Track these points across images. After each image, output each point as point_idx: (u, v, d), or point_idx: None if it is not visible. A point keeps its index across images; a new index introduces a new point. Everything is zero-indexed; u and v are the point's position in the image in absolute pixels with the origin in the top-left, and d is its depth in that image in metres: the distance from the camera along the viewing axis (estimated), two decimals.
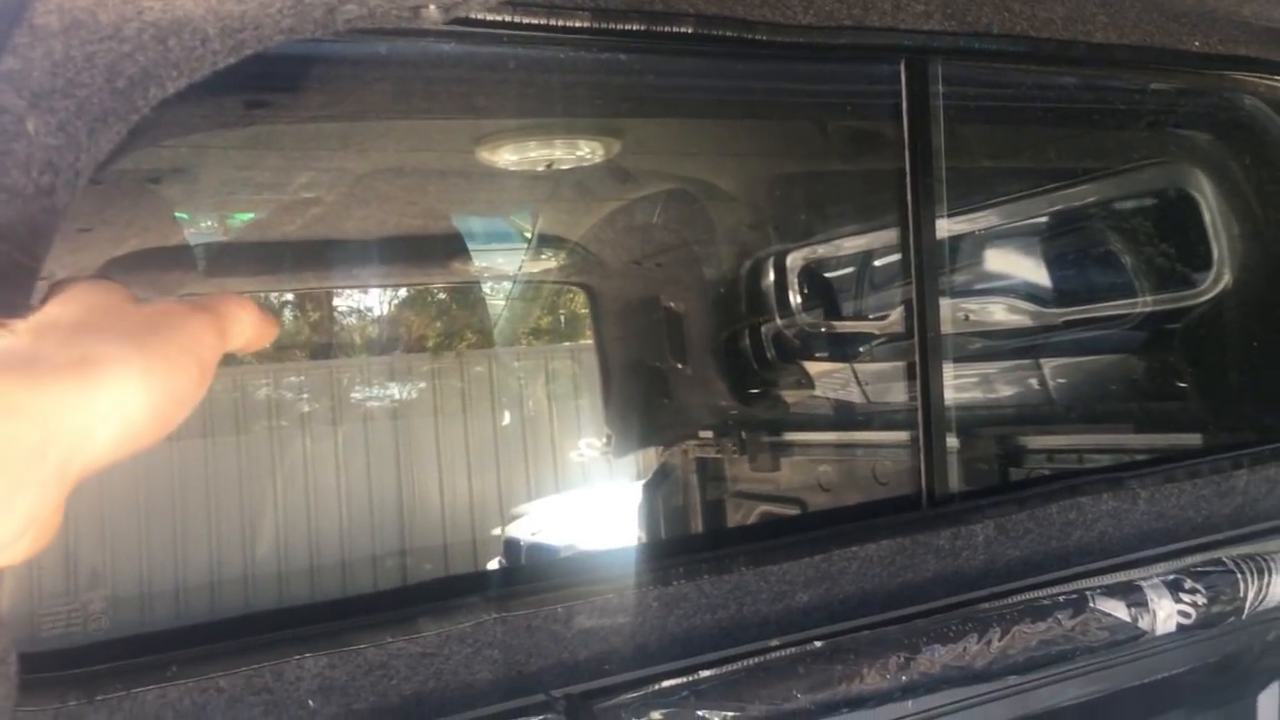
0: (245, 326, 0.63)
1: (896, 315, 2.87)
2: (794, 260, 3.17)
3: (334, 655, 1.07)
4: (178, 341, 0.57)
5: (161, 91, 0.81)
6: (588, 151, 2.15)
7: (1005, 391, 2.69)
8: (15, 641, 0.66)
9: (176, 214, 2.48)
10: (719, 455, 3.42)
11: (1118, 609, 1.51)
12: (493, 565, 1.50)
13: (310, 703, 1.07)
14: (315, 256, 2.14)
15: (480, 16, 1.16)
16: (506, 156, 2.11)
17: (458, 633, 1.14)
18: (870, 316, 3.10)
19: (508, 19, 1.19)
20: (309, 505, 1.61)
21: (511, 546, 2.17)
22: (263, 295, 2.01)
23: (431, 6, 0.95)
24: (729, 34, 1.30)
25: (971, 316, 2.76)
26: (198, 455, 1.84)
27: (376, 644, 1.10)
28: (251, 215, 2.63)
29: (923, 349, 1.52)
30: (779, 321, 3.23)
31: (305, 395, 2.14)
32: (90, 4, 0.73)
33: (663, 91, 1.62)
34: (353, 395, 2.19)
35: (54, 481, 0.51)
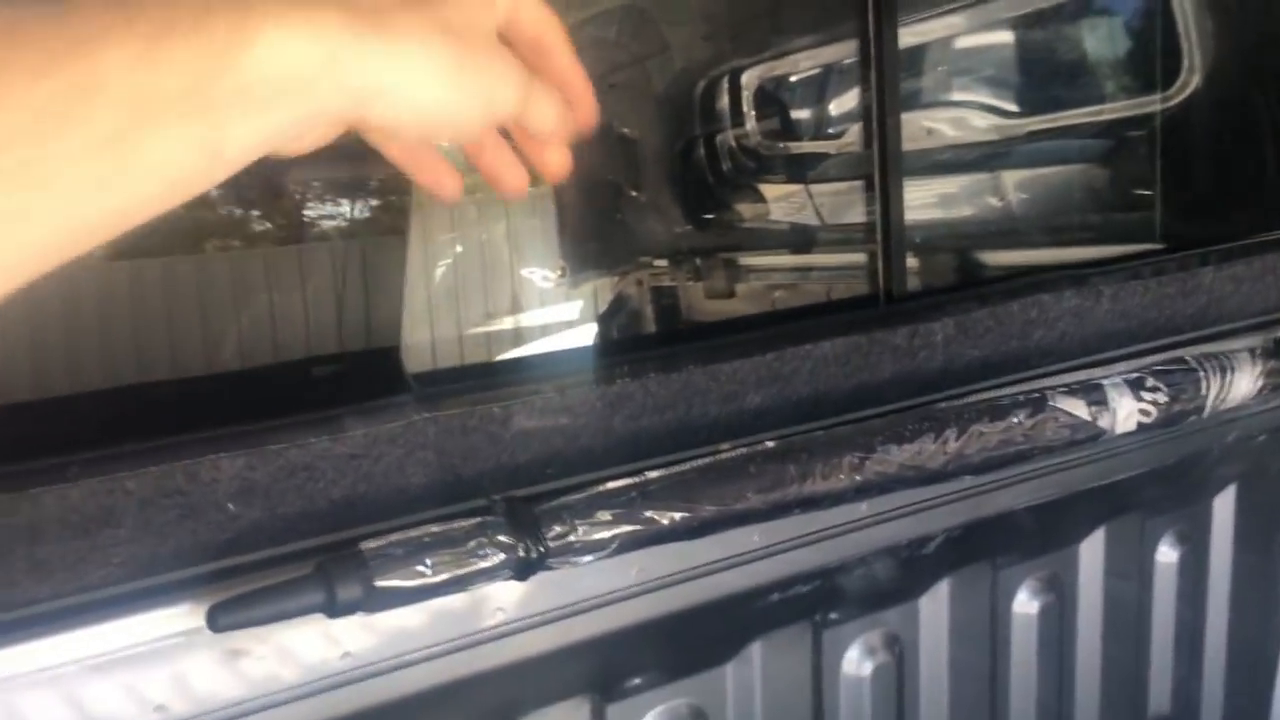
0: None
1: (855, 132, 2.77)
2: (749, 78, 3.05)
3: (252, 455, 1.00)
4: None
5: None
6: None
7: (965, 207, 2.62)
8: None
9: None
10: (673, 283, 3.35)
11: (1077, 408, 1.46)
12: (422, 367, 1.45)
13: (230, 506, 1.01)
14: None
15: None
16: None
17: (387, 433, 1.08)
18: (828, 134, 3.00)
19: None
20: (235, 300, 1.53)
21: (441, 349, 2.11)
22: None
23: None
24: None
25: (932, 131, 2.67)
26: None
27: (298, 444, 1.03)
28: None
29: (882, 142, 1.43)
30: (734, 143, 3.12)
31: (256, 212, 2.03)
32: None
33: None
34: (304, 213, 2.09)
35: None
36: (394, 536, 1.02)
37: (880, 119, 1.39)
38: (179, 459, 0.97)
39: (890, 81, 1.44)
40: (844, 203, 2.90)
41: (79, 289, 1.43)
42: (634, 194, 3.27)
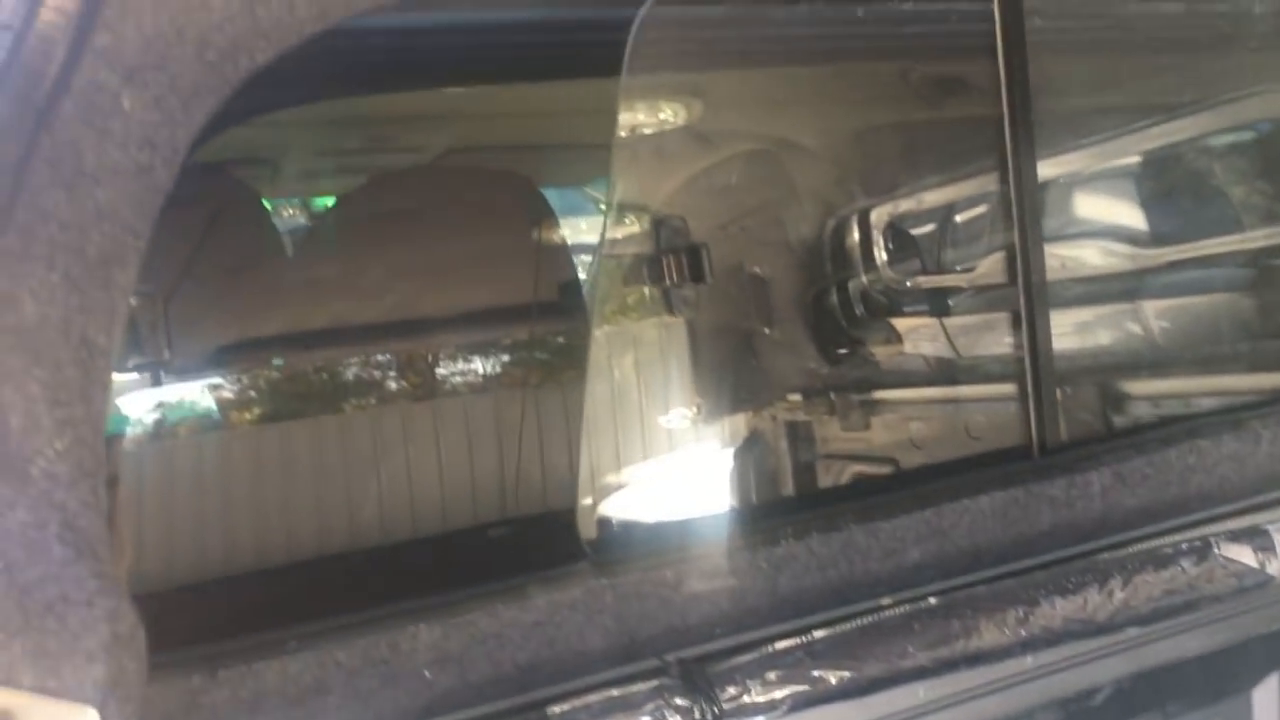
0: None
1: (986, 266, 2.80)
2: (878, 216, 3.11)
3: (448, 626, 1.07)
4: None
5: (251, 63, 0.80)
6: (670, 114, 2.12)
7: (1107, 338, 2.61)
8: (143, 619, 0.66)
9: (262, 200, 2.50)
10: (808, 417, 3.38)
11: (1243, 554, 1.45)
12: (592, 533, 1.50)
13: (426, 673, 1.07)
14: (398, 230, 2.14)
15: None
16: (587, 123, 2.08)
17: (568, 600, 1.13)
18: (958, 269, 3.03)
19: None
20: (409, 480, 1.63)
21: (608, 514, 2.16)
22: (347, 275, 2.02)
23: None
24: None
25: (1067, 264, 2.68)
26: (299, 435, 1.86)
27: (489, 613, 1.09)
28: (334, 198, 2.65)
29: (1028, 293, 1.47)
30: (865, 278, 3.17)
31: (392, 373, 2.14)
32: None
33: (745, 44, 1.59)
34: (439, 370, 2.19)
35: None
36: (578, 701, 1.07)
37: (1026, 279, 1.42)
38: (383, 630, 1.04)
39: (1033, 231, 1.48)
40: (976, 336, 2.92)
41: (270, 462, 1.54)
42: (767, 331, 3.34)
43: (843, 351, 3.25)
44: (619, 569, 1.17)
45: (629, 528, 1.98)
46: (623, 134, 2.25)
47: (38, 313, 0.67)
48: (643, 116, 2.17)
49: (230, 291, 1.71)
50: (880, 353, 3.20)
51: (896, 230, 3.09)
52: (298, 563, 1.42)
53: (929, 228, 3.08)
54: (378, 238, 1.53)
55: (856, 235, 3.14)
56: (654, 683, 1.12)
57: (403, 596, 1.11)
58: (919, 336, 3.17)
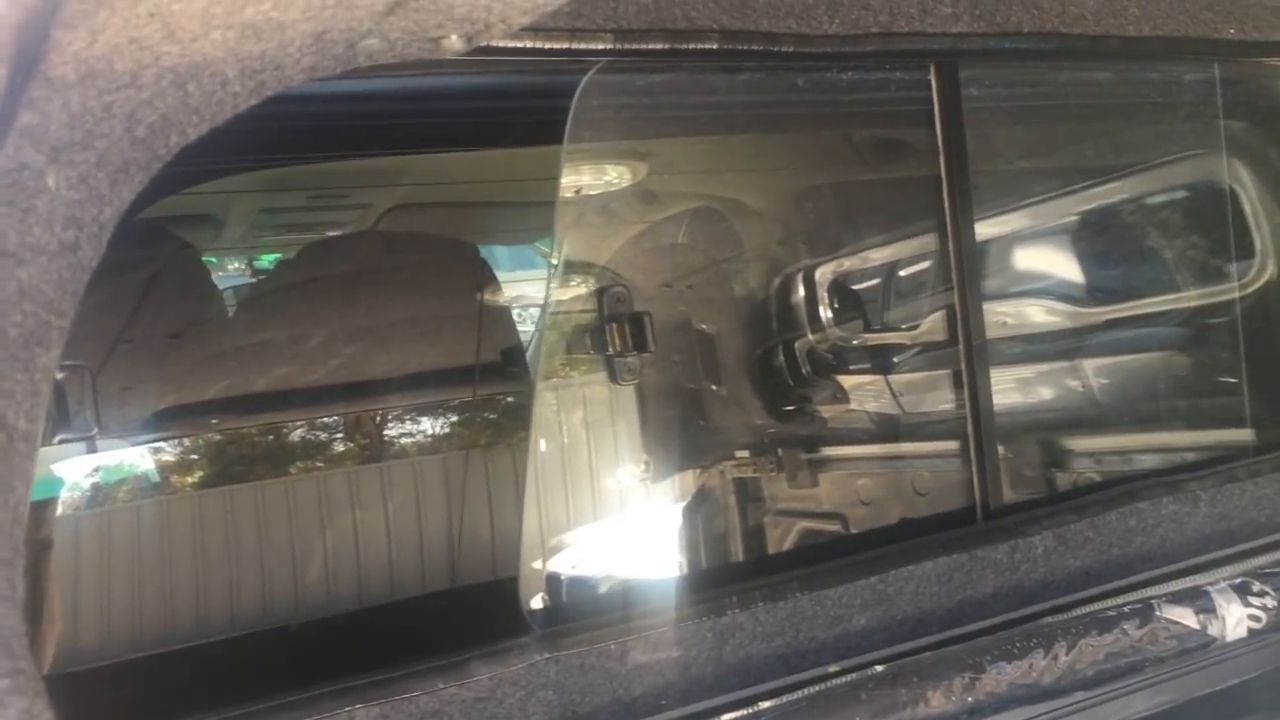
0: None
1: (929, 324, 2.82)
2: (823, 274, 3.13)
3: (385, 705, 1.04)
4: None
5: (183, 138, 0.79)
6: (615, 176, 2.13)
7: (1047, 396, 2.64)
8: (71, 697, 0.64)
9: (204, 258, 2.48)
10: (756, 474, 3.37)
11: (1185, 616, 1.46)
12: (537, 602, 1.48)
13: None
14: (342, 293, 2.12)
15: (501, 44, 1.13)
16: (532, 186, 2.09)
17: (510, 675, 1.11)
18: (903, 327, 3.05)
19: (529, 45, 1.17)
20: (356, 545, 1.59)
21: (553, 580, 2.14)
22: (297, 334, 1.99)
23: (453, 36, 0.92)
24: (755, 48, 1.27)
25: (1009, 322, 2.72)
26: (240, 501, 1.82)
27: (428, 691, 1.07)
28: (279, 255, 2.62)
29: (968, 357, 1.48)
30: (811, 336, 3.19)
31: (338, 435, 2.11)
32: (106, 52, 0.71)
33: (689, 110, 1.60)
34: (386, 432, 2.16)
35: None
36: None
37: (967, 343, 1.44)
38: (319, 712, 1.01)
39: (972, 294, 1.50)
40: (921, 393, 2.94)
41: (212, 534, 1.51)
42: (714, 388, 3.34)
43: (790, 409, 3.26)
44: (562, 641, 1.15)
45: (574, 596, 1.97)
46: (567, 194, 2.26)
47: None
48: (588, 179, 2.17)
49: (169, 356, 1.68)
50: (827, 410, 3.22)
51: (841, 288, 3.11)
52: (237, 636, 1.38)
53: (873, 286, 3.11)
54: (322, 300, 1.51)
55: (802, 293, 3.16)
56: None
57: (343, 672, 1.08)
58: (864, 394, 3.19)
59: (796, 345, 3.17)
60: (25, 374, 0.69)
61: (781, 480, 3.33)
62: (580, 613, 1.25)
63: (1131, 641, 1.41)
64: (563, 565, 2.48)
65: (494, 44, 1.12)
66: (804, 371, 3.20)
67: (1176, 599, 1.46)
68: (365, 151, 2.09)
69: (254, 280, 2.66)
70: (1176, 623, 1.44)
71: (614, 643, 1.16)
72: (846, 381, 3.19)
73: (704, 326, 3.29)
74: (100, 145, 0.73)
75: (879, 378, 3.10)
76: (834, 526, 3.17)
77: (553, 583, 2.13)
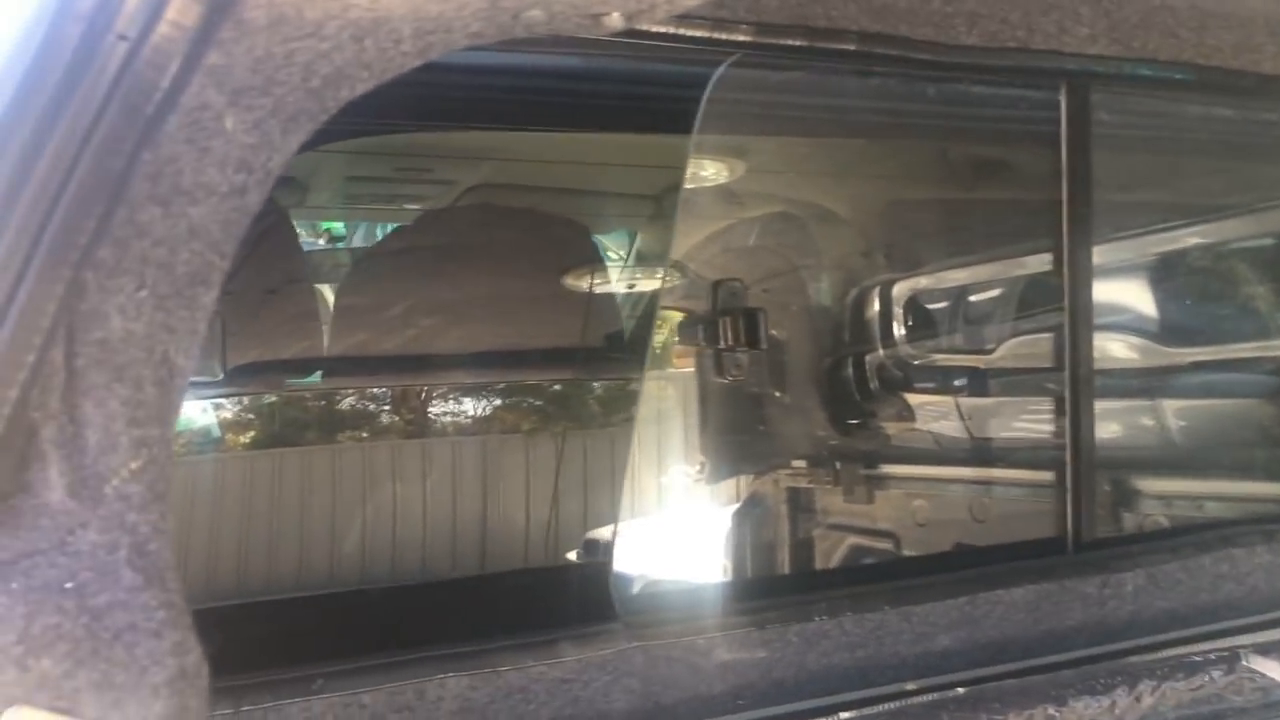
0: None
1: (1005, 350, 2.79)
2: (901, 290, 3.10)
3: (476, 676, 1.04)
4: None
5: (350, 92, 0.79)
6: (713, 172, 2.12)
7: (1133, 434, 2.59)
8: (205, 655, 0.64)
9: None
10: (812, 485, 3.35)
11: (1272, 669, 1.43)
12: (628, 589, 1.47)
13: None
14: (422, 271, 2.13)
15: (647, 28, 1.13)
16: (632, 176, 2.08)
17: (599, 660, 1.11)
18: (977, 350, 3.02)
19: (671, 30, 1.16)
20: (453, 522, 1.60)
21: (635, 577, 2.13)
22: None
23: (615, 14, 0.92)
24: (891, 52, 1.26)
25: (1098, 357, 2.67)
26: (327, 462, 1.84)
27: (518, 667, 1.06)
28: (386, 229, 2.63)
29: (1074, 385, 1.46)
30: (882, 352, 3.16)
31: (434, 404, 2.12)
32: (299, 0, 0.71)
33: (815, 111, 1.59)
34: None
35: None
36: None
37: (1074, 369, 1.41)
38: (411, 676, 1.01)
39: (1084, 321, 1.47)
40: (992, 418, 2.90)
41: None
42: (778, 395, 3.32)
43: (853, 422, 3.23)
44: (651, 631, 1.15)
45: (660, 589, 1.95)
46: (688, 187, 2.25)
47: (123, 329, 0.66)
48: (687, 172, 2.16)
49: (263, 311, 1.69)
50: (891, 427, 3.18)
51: (918, 306, 3.08)
52: (322, 594, 1.39)
53: (951, 306, 3.07)
54: (431, 269, 1.51)
55: (877, 307, 3.13)
56: None
57: (430, 640, 1.08)
58: (931, 414, 3.15)
59: (867, 359, 3.14)
60: (188, 311, 0.69)
61: (837, 493, 3.31)
62: (667, 606, 1.25)
63: (1216, 689, 1.38)
64: (645, 558, 2.48)
65: (641, 27, 1.12)
66: (872, 386, 3.17)
67: (1264, 650, 1.42)
68: (457, 124, 2.08)
69: (346, 248, 2.67)
70: (1262, 674, 1.41)
71: (701, 637, 1.16)
72: (914, 400, 3.16)
73: (775, 332, 3.27)
74: (278, 92, 0.73)
75: (949, 399, 3.07)
76: (885, 545, 3.14)
77: (637, 575, 2.12)
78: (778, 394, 3.34)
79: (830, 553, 3.36)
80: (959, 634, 1.31)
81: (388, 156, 2.49)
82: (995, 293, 2.88)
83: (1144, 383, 2.51)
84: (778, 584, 1.37)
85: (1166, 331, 2.49)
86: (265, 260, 1.68)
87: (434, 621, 1.16)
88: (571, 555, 2.22)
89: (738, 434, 3.38)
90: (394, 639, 1.06)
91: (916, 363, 3.16)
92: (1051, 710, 1.28)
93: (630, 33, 1.16)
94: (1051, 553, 1.43)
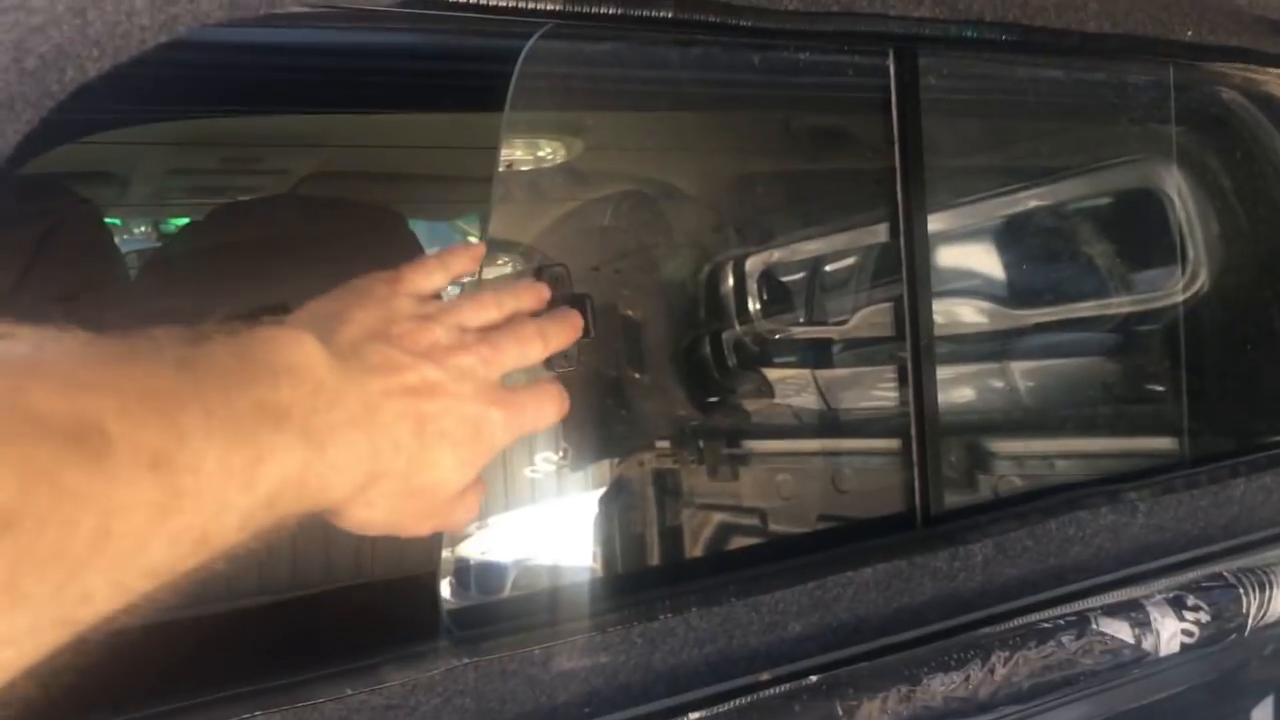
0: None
1: (858, 320, 2.79)
2: (754, 264, 3.08)
3: (288, 713, 0.95)
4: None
5: (81, 75, 0.69)
6: (549, 151, 2.04)
7: (979, 398, 2.62)
8: None
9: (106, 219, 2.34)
10: (677, 466, 3.32)
11: (1121, 630, 1.43)
12: (454, 602, 1.39)
13: None
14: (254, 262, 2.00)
15: None
16: (461, 156, 1.99)
17: (425, 681, 1.03)
18: (831, 321, 3.02)
19: (471, 0, 1.08)
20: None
21: (471, 577, 2.04)
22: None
23: None
24: (711, 19, 1.20)
25: (941, 321, 2.69)
26: None
27: (335, 698, 0.98)
28: (187, 220, 2.49)
29: (915, 355, 1.43)
30: (738, 328, 3.14)
31: None
32: None
33: (634, 84, 1.52)
34: None
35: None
36: None
37: (914, 339, 1.38)
38: (213, 717, 0.92)
39: (923, 291, 1.45)
40: (850, 387, 2.91)
41: None
42: (637, 376, 3.27)
43: (713, 400, 3.21)
44: (483, 646, 1.07)
45: (493, 595, 1.88)
46: (500, 169, 2.17)
47: None
48: (521, 153, 2.08)
49: (61, 322, 1.54)
50: (751, 404, 3.17)
51: (771, 280, 3.07)
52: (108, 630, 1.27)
53: (804, 278, 3.07)
54: (231, 268, 1.40)
55: (731, 283, 3.11)
56: None
57: (237, 673, 0.99)
58: (790, 388, 3.15)
59: (724, 336, 3.12)
60: None
61: (702, 473, 3.28)
62: (500, 615, 1.17)
63: (1067, 654, 1.37)
64: (479, 562, 2.40)
65: None
66: (730, 363, 3.15)
67: (1112, 612, 1.42)
68: (284, 108, 1.97)
69: (160, 245, 2.52)
70: (1112, 636, 1.41)
71: (538, 648, 1.09)
72: (772, 375, 3.15)
73: (630, 313, 3.22)
74: None
75: (806, 372, 3.07)
76: (753, 521, 3.13)
77: (471, 579, 2.05)
78: (637, 376, 3.29)
79: (698, 534, 3.33)
80: (810, 619, 1.27)
81: (212, 146, 2.34)
82: (846, 263, 2.88)
83: (990, 346, 2.54)
84: (619, 583, 1.31)
85: (1010, 294, 2.52)
86: (60, 266, 1.53)
87: (242, 652, 1.06)
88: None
89: (599, 419, 3.33)
90: (190, 676, 0.96)
91: (773, 337, 3.15)
92: (906, 689, 1.25)
93: (428, 2, 1.07)
94: (900, 529, 1.40)
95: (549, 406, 0.82)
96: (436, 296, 0.82)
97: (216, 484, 0.56)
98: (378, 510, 0.70)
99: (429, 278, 0.81)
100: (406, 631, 1.11)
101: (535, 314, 0.89)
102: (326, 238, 1.32)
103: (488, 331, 0.80)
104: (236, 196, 2.68)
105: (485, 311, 0.81)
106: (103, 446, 0.51)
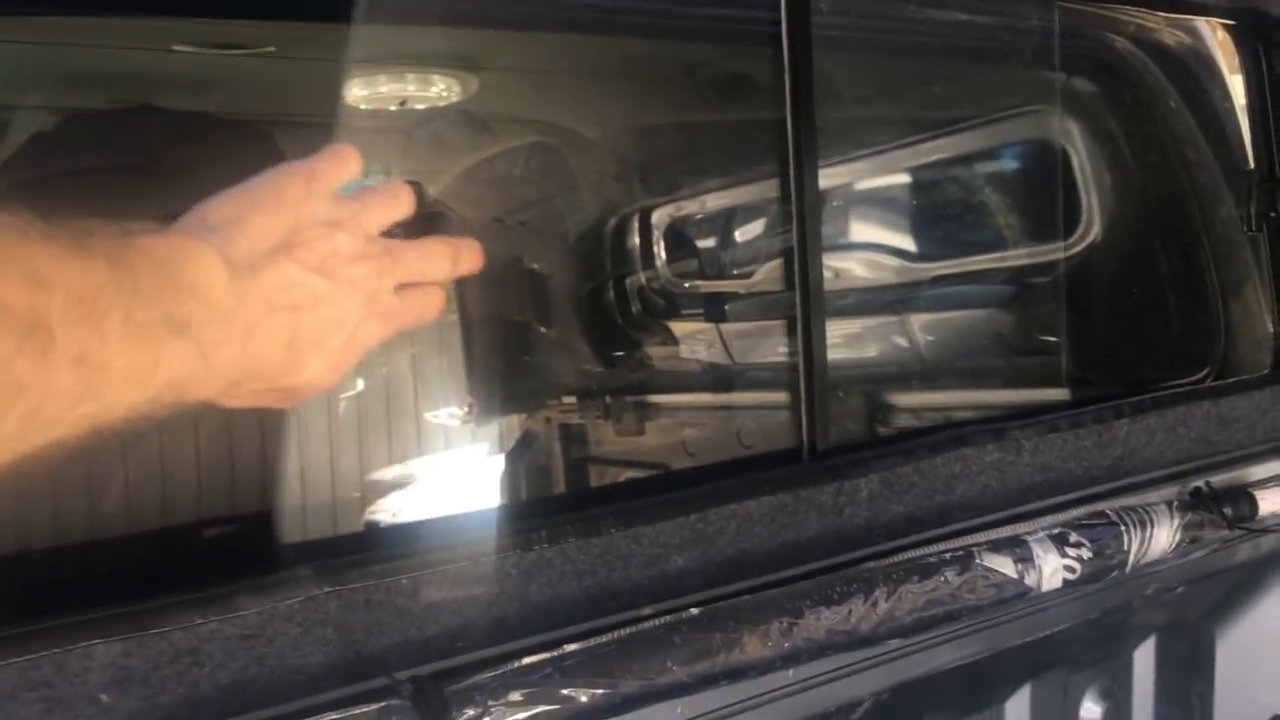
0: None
1: (764, 273, 2.79)
2: (659, 216, 3.06)
3: (130, 641, 0.90)
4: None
5: None
6: (444, 89, 1.98)
7: (874, 350, 2.63)
8: None
9: None
10: (583, 420, 3.30)
11: (1004, 565, 1.43)
12: (327, 535, 1.36)
13: (103, 697, 0.90)
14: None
15: None
16: (354, 92, 1.92)
17: (284, 610, 0.99)
18: (736, 274, 3.02)
19: None
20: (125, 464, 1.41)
21: (345, 519, 2.00)
22: None
23: None
24: None
25: (840, 275, 2.69)
26: None
27: (184, 626, 0.93)
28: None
29: (804, 293, 1.41)
30: (644, 280, 3.12)
31: None
32: None
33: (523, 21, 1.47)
34: None
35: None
36: None
37: (803, 279, 1.37)
38: (46, 648, 0.87)
39: (812, 230, 1.43)
40: (754, 341, 2.90)
41: None
42: (544, 330, 3.23)
43: (619, 354, 3.19)
44: (346, 575, 1.03)
45: (367, 530, 1.84)
46: (391, 107, 2.10)
47: None
48: (414, 88, 2.02)
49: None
50: (656, 357, 3.15)
51: (677, 232, 3.05)
52: None
53: (710, 231, 3.06)
54: (84, 185, 1.32)
55: (637, 235, 3.08)
56: (380, 704, 0.99)
57: (80, 606, 0.94)
58: (695, 342, 3.14)
59: (628, 288, 3.09)
60: None
61: (607, 427, 3.26)
62: (370, 547, 1.13)
63: (951, 589, 1.38)
64: (362, 502, 2.35)
65: None
66: (635, 315, 3.13)
67: (996, 547, 1.43)
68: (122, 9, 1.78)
69: None
70: (995, 571, 1.41)
71: (406, 577, 1.05)
72: (677, 328, 3.14)
73: (535, 265, 3.17)
74: None
75: (710, 327, 3.06)
76: (651, 472, 3.12)
77: (348, 517, 2.01)
78: (543, 329, 3.26)
79: (597, 485, 3.31)
80: (693, 553, 1.25)
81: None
82: (753, 215, 2.87)
83: (888, 298, 2.55)
84: (494, 516, 1.28)
85: (909, 248, 2.52)
86: None
87: (97, 585, 1.01)
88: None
89: (504, 372, 3.29)
90: (31, 606, 0.90)
91: (679, 290, 3.14)
92: (787, 622, 1.24)
93: None
94: (787, 463, 1.39)
95: (425, 313, 0.87)
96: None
97: (119, 381, 0.64)
98: (238, 400, 0.78)
99: (344, 167, 0.83)
100: (263, 564, 1.06)
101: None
102: (202, 158, 1.26)
103: (393, 242, 0.83)
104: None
105: (397, 207, 0.84)
106: (47, 342, 0.58)
